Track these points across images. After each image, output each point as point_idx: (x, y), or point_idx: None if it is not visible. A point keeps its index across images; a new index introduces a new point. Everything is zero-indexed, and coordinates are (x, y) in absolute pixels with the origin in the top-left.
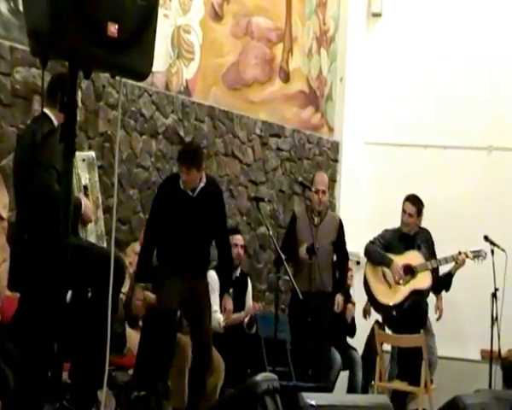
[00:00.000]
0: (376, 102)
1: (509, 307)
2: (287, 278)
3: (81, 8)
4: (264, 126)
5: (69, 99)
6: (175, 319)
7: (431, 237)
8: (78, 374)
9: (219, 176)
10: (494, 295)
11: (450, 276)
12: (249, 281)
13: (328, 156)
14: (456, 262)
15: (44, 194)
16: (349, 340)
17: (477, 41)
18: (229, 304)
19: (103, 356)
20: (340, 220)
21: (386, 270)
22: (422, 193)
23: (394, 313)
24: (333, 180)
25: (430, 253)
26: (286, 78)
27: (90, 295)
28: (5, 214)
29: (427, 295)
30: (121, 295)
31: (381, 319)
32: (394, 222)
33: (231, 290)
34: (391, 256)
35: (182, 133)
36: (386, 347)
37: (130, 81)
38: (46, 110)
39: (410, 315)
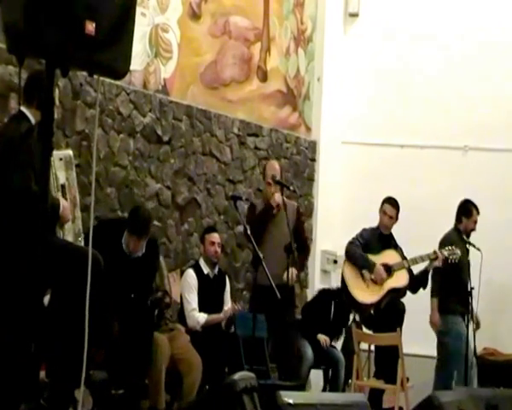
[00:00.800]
0: (353, 102)
1: (485, 305)
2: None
3: (58, 6)
4: (241, 125)
5: (46, 97)
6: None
7: None
8: (56, 373)
9: (197, 175)
10: (470, 294)
11: (425, 273)
12: (227, 279)
13: (306, 156)
14: (431, 261)
15: (22, 195)
16: None
17: (453, 41)
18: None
19: (81, 355)
20: (298, 207)
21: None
22: (399, 192)
23: (372, 311)
24: (310, 179)
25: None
26: (264, 77)
27: (67, 294)
28: None
29: (405, 293)
30: None
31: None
32: (371, 221)
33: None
34: (372, 259)
35: (159, 132)
36: (364, 345)
37: (107, 80)
38: (23, 108)
39: (387, 314)
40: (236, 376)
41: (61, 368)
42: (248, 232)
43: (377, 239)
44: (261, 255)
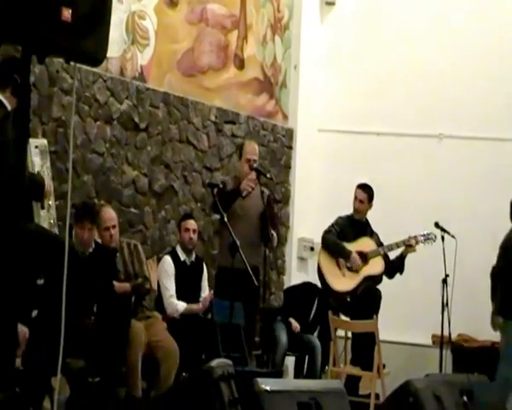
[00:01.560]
0: (330, 90)
1: (459, 292)
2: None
3: None
4: (218, 113)
5: (22, 84)
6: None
7: None
8: (31, 361)
9: (174, 162)
10: (444, 281)
11: (402, 259)
12: (204, 266)
13: (283, 143)
14: (407, 247)
15: None
16: None
17: (429, 29)
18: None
19: (57, 343)
20: (269, 196)
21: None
22: (375, 180)
23: (348, 299)
24: (287, 167)
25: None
26: (240, 65)
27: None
28: None
29: (380, 280)
30: None
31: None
32: (347, 209)
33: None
34: (348, 247)
35: (136, 119)
36: (341, 332)
37: (84, 66)
38: None
39: (363, 301)
40: (213, 363)
41: (36, 356)
42: (225, 219)
43: (352, 226)
44: (238, 242)
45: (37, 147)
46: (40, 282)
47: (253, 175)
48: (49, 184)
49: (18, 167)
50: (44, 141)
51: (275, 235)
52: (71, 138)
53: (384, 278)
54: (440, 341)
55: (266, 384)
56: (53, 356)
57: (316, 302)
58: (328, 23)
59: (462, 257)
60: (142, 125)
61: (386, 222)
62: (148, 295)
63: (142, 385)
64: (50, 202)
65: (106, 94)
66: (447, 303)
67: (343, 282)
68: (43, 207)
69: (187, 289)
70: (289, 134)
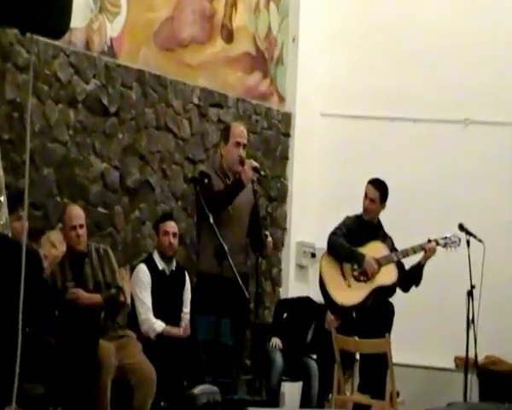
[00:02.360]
0: (335, 67)
1: (487, 307)
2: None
3: None
4: (202, 94)
5: None
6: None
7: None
8: None
9: (150, 152)
10: (470, 294)
11: (419, 268)
12: (187, 276)
13: (279, 130)
14: (426, 252)
15: None
16: None
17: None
18: None
19: (12, 365)
20: (255, 190)
21: (347, 265)
22: (388, 174)
23: (354, 314)
24: (284, 158)
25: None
26: (229, 37)
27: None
28: None
29: (393, 292)
30: None
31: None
32: (355, 208)
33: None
34: (360, 250)
35: (105, 102)
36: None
37: (43, 39)
38: None
39: (373, 317)
40: (197, 390)
41: None
42: (211, 221)
43: (362, 228)
44: (226, 248)
45: None
46: None
47: (253, 162)
48: None
49: None
50: None
51: (270, 238)
52: (28, 124)
53: (397, 289)
54: (465, 364)
55: None
56: (7, 381)
57: (313, 326)
58: None
59: (490, 265)
60: (113, 109)
61: (402, 223)
62: (123, 309)
63: None
64: (2, 199)
65: (69, 71)
66: (473, 320)
67: (349, 294)
68: None
69: (166, 304)
70: (286, 119)
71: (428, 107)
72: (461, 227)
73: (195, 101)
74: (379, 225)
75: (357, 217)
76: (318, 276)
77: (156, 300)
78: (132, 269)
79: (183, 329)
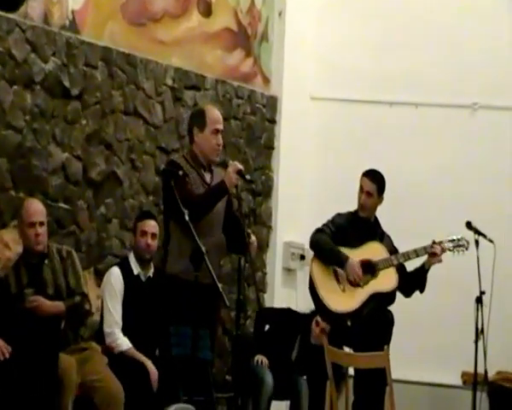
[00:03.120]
0: (326, 45)
1: (498, 315)
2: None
3: None
4: (177, 75)
5: None
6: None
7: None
8: None
9: (117, 141)
10: (479, 301)
11: (423, 272)
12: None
13: (264, 116)
14: (430, 255)
15: None
16: None
17: None
18: None
19: None
20: None
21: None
22: (386, 165)
23: (349, 323)
24: (269, 147)
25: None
26: (207, 11)
27: None
28: None
29: (393, 299)
30: None
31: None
32: (350, 204)
33: None
34: (345, 251)
35: (67, 83)
36: None
37: None
38: None
39: (370, 327)
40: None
41: None
42: (186, 218)
43: (356, 227)
44: (204, 249)
45: None
46: None
47: (237, 165)
48: None
49: None
50: None
51: (253, 237)
52: None
53: (398, 295)
54: (473, 380)
55: None
56: None
57: (298, 341)
58: None
59: (502, 268)
60: (75, 92)
61: (403, 221)
62: (87, 318)
63: None
64: None
65: (25, 49)
66: (482, 330)
67: (343, 300)
68: None
69: (139, 315)
70: (272, 104)
71: (432, 90)
72: (468, 225)
73: (169, 82)
74: (376, 223)
75: (351, 214)
76: (309, 279)
77: (128, 309)
78: (96, 273)
79: (152, 375)
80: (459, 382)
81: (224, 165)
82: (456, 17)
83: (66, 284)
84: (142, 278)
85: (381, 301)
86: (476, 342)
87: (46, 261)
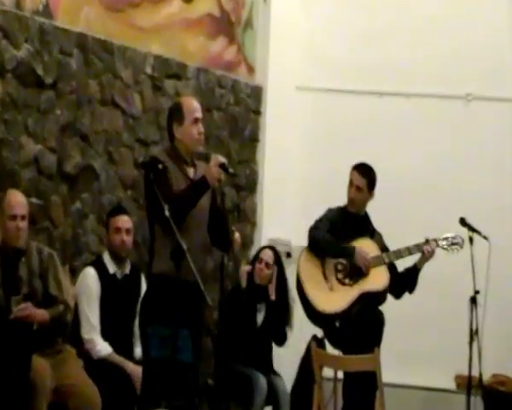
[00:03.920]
0: (314, 32)
1: (494, 316)
2: None
3: None
4: (157, 63)
5: None
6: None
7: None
8: None
9: (94, 132)
10: (473, 301)
11: (415, 271)
12: (144, 282)
13: (248, 107)
14: (423, 254)
15: None
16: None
17: None
18: None
19: None
20: None
21: (330, 264)
22: (376, 159)
23: (338, 324)
24: (254, 140)
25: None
26: None
27: None
28: None
29: (383, 299)
30: None
31: (320, 334)
32: (340, 199)
33: None
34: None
35: (40, 71)
36: (328, 372)
37: None
38: None
39: (359, 327)
40: None
41: None
42: (166, 213)
43: (346, 222)
44: (185, 246)
45: None
46: None
47: (219, 158)
48: None
49: None
50: None
51: (237, 234)
52: None
53: (389, 296)
54: (467, 384)
55: None
56: None
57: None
58: None
59: (497, 266)
60: (49, 80)
61: (394, 217)
62: (67, 330)
63: None
64: None
65: None
66: (477, 331)
67: (331, 299)
68: None
69: (116, 314)
70: (257, 94)
71: (424, 80)
72: (462, 222)
73: (148, 71)
74: (366, 219)
75: (341, 209)
76: (295, 277)
77: (105, 310)
78: (72, 271)
79: (135, 374)
80: (452, 385)
81: (207, 159)
82: (448, 6)
83: (44, 287)
84: (119, 277)
85: (371, 301)
86: (470, 343)
87: (23, 259)
